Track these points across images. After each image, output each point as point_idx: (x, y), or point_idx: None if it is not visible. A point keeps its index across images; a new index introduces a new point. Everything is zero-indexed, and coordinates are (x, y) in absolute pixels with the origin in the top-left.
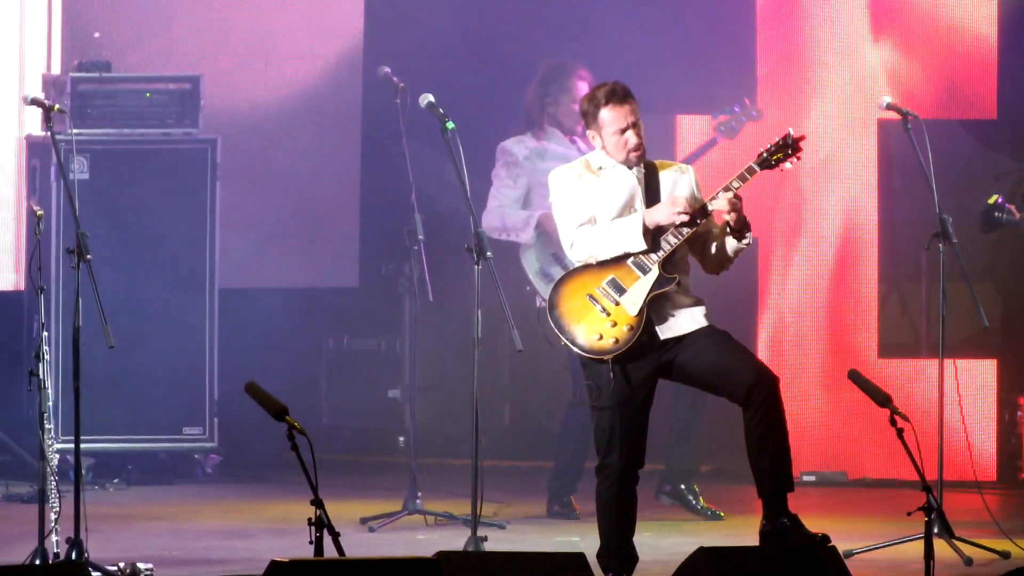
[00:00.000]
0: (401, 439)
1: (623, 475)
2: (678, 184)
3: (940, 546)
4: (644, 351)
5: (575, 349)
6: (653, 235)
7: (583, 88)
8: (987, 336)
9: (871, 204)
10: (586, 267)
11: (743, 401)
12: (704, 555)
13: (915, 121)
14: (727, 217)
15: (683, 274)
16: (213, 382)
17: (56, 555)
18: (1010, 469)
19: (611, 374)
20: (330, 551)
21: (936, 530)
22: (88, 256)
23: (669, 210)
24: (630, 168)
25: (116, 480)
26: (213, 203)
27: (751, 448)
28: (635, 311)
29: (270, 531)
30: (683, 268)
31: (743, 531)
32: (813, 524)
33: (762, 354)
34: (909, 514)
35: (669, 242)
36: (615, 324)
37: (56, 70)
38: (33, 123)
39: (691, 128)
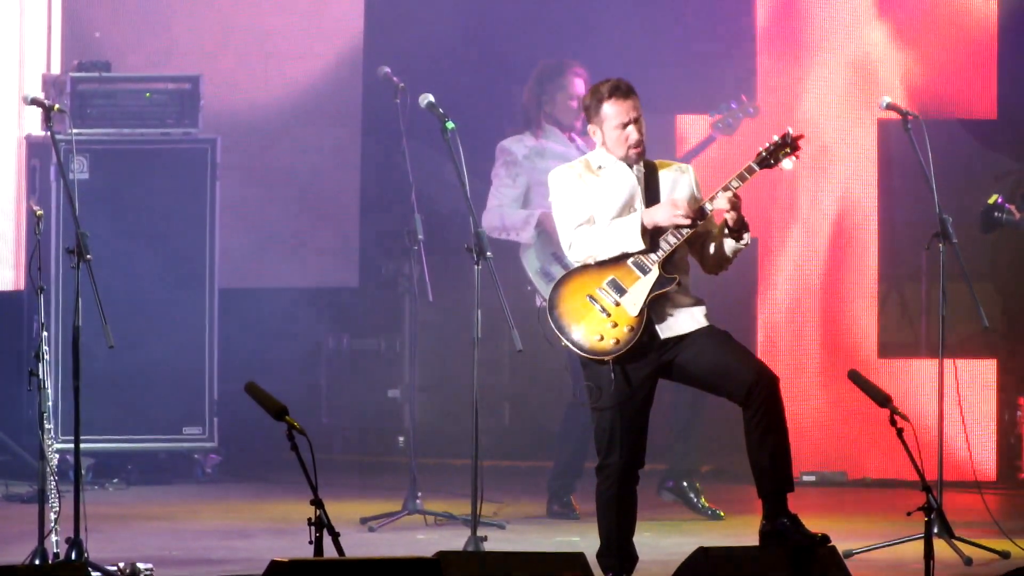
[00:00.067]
0: (401, 439)
1: (623, 475)
2: (678, 184)
3: (940, 546)
4: (644, 351)
5: (575, 350)
6: (652, 235)
7: (579, 85)
8: (987, 336)
9: (871, 204)
10: (586, 267)
11: (743, 401)
12: (704, 555)
13: (915, 121)
14: (727, 217)
15: (683, 274)
16: (213, 382)
17: (56, 555)
18: (1010, 469)
19: (611, 374)
20: (330, 551)
21: (936, 530)
22: (88, 256)
23: (669, 212)
24: (630, 166)
25: (116, 480)
26: (213, 203)
27: (751, 448)
28: (635, 311)
29: (270, 531)
30: (683, 268)
31: (743, 531)
32: (813, 524)
33: (761, 354)
34: (909, 514)
35: (669, 242)
36: (615, 325)
37: (56, 70)
38: (33, 123)
39: (691, 128)
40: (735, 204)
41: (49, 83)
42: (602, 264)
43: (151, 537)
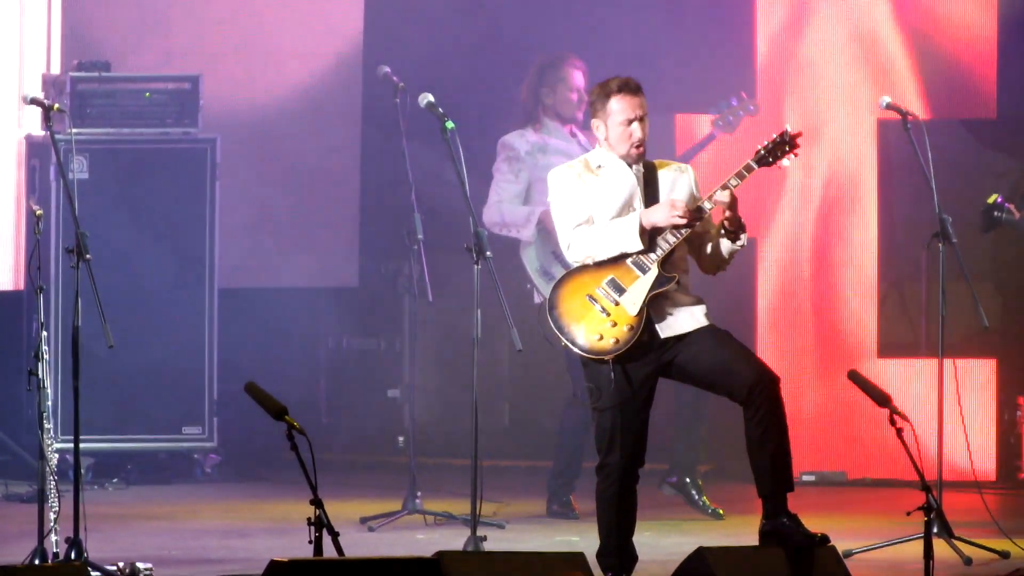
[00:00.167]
0: (401, 439)
1: (624, 474)
2: (677, 184)
3: (940, 546)
4: (644, 350)
5: (575, 350)
6: (650, 235)
7: (579, 77)
8: (987, 336)
9: (871, 204)
10: (585, 267)
11: (744, 401)
12: (704, 555)
13: (915, 121)
14: (724, 217)
15: (682, 273)
16: (213, 382)
17: (55, 555)
18: (1010, 469)
19: (611, 374)
20: (329, 551)
21: (936, 530)
22: (87, 256)
23: (667, 212)
24: (630, 165)
25: (115, 480)
26: (213, 203)
27: (751, 448)
28: (635, 311)
29: (269, 531)
30: (682, 267)
31: (743, 531)
32: (813, 524)
33: (761, 353)
34: (909, 514)
35: (668, 241)
36: (615, 324)
37: (56, 70)
38: (33, 123)
39: (690, 127)
40: (732, 203)
41: (49, 83)
42: (601, 264)
43: (151, 537)
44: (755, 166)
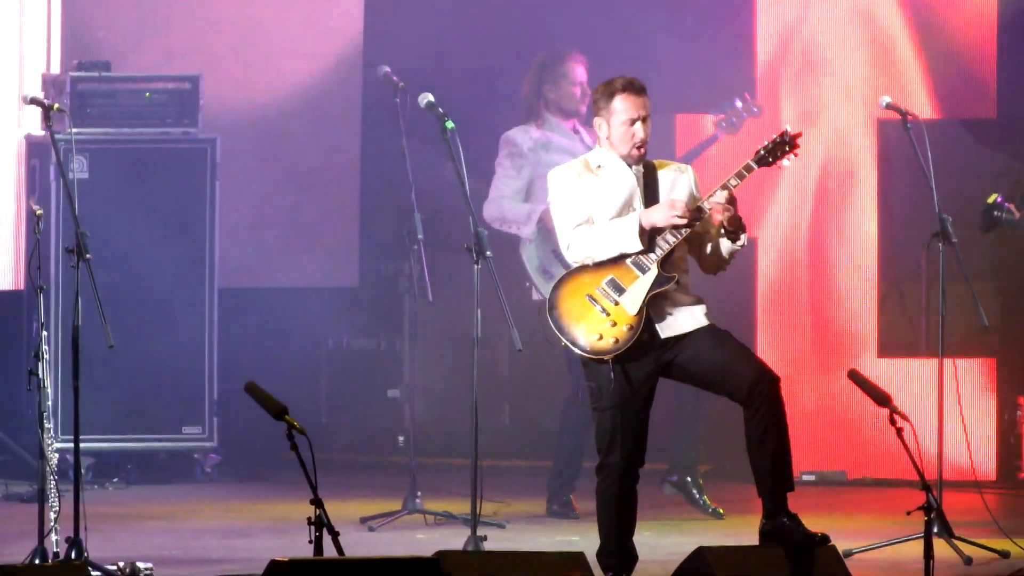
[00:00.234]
0: (401, 439)
1: (624, 474)
2: (677, 184)
3: (940, 546)
4: (644, 350)
5: (575, 350)
6: (650, 235)
7: (580, 71)
8: (987, 336)
9: (871, 204)
10: (585, 267)
11: (744, 400)
12: (704, 555)
13: (915, 121)
14: (721, 217)
15: (682, 273)
16: (213, 382)
17: (56, 554)
18: (1010, 469)
19: (611, 374)
20: (330, 550)
21: (936, 529)
22: (87, 255)
23: (667, 212)
24: (630, 165)
25: (115, 479)
26: (213, 203)
27: (751, 447)
28: (634, 311)
29: (269, 530)
30: (682, 267)
31: (743, 531)
32: (813, 524)
33: (761, 353)
34: (909, 513)
35: (668, 241)
36: (615, 324)
37: (56, 70)
38: (33, 122)
39: (691, 127)
40: (732, 203)
41: (49, 83)
42: (601, 264)
43: (151, 536)
44: (755, 166)
